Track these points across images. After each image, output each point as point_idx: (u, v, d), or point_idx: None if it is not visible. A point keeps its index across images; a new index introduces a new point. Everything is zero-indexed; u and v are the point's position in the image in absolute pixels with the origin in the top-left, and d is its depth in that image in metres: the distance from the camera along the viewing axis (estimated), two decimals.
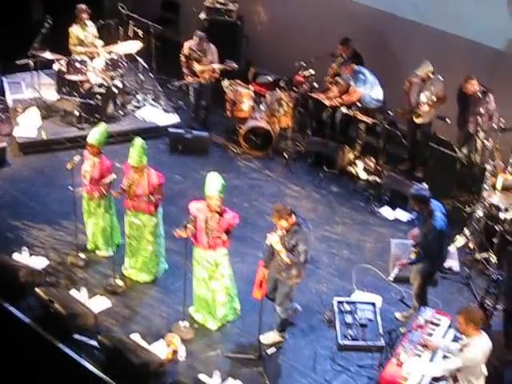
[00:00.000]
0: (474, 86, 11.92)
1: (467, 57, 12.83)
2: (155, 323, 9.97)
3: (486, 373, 7.96)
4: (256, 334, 9.37)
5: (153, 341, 9.56)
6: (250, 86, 14.06)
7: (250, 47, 16.03)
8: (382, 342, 9.60)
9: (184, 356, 9.43)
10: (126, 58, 14.26)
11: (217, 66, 13.60)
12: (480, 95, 11.95)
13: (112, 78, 13.84)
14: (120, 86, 14.00)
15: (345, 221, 12.15)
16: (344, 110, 12.97)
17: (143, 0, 16.42)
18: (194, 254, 9.64)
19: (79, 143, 12.76)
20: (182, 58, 13.69)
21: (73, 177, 10.20)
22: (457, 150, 12.23)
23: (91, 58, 13.88)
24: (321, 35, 14.42)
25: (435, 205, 9.33)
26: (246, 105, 13.78)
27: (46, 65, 13.91)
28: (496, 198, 10.99)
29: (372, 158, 13.24)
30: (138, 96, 14.60)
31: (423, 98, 12.46)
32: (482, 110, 11.82)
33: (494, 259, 10.88)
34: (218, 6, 15.58)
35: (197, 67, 13.60)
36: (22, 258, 10.68)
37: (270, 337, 9.69)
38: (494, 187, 11.19)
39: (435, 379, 8.24)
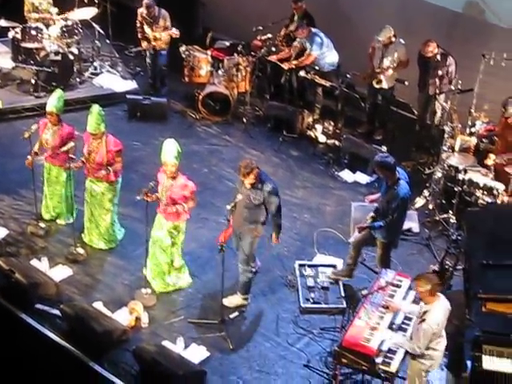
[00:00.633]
0: (433, 49, 11.97)
1: (427, 20, 12.87)
2: (117, 291, 9.94)
3: (444, 335, 8.02)
4: (219, 298, 9.41)
5: (115, 308, 9.55)
6: (208, 52, 13.96)
7: (207, 12, 15.92)
8: (343, 305, 9.69)
9: (147, 323, 9.43)
10: (82, 24, 14.06)
11: (161, 34, 13.43)
12: (439, 58, 12.03)
13: (68, 45, 13.65)
14: (76, 52, 13.82)
15: (305, 185, 12.19)
16: (302, 73, 12.94)
17: None
18: (155, 219, 9.64)
19: (36, 112, 12.64)
20: (138, 24, 13.58)
21: (31, 145, 10.12)
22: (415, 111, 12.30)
23: (47, 26, 13.65)
24: None
25: (400, 173, 9.35)
26: (204, 70, 13.69)
27: (1, 33, 13.71)
28: (455, 160, 11.07)
29: (331, 122, 13.24)
30: (95, 63, 14.43)
31: (386, 62, 12.45)
32: (441, 73, 11.94)
33: (453, 220, 11.00)
34: None
35: (149, 33, 13.49)
36: None
37: (233, 300, 9.72)
38: (452, 149, 11.28)
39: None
